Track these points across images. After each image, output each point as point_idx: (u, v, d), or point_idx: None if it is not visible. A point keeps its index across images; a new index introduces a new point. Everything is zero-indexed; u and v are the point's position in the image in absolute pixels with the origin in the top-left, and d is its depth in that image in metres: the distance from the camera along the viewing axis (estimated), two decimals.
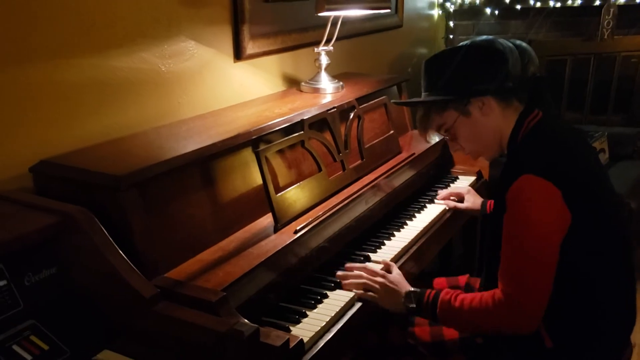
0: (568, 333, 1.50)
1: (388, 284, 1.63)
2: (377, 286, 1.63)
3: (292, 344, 1.30)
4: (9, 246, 1.22)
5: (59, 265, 1.30)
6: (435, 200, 2.29)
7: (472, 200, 2.21)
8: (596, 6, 3.87)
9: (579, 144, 1.59)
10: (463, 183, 2.49)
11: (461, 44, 1.63)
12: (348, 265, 1.74)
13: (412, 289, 1.62)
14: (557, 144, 1.53)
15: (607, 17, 3.82)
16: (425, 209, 2.24)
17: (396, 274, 1.68)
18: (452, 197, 2.28)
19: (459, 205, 2.23)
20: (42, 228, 1.28)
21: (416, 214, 2.18)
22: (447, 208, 2.23)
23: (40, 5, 1.54)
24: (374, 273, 1.67)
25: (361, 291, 1.64)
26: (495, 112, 1.58)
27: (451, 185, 2.47)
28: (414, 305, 1.59)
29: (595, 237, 1.48)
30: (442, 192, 2.30)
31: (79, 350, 1.21)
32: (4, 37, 1.47)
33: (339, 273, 1.70)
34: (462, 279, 1.99)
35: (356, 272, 1.69)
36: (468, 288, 1.91)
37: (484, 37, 1.65)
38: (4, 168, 1.52)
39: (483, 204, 2.16)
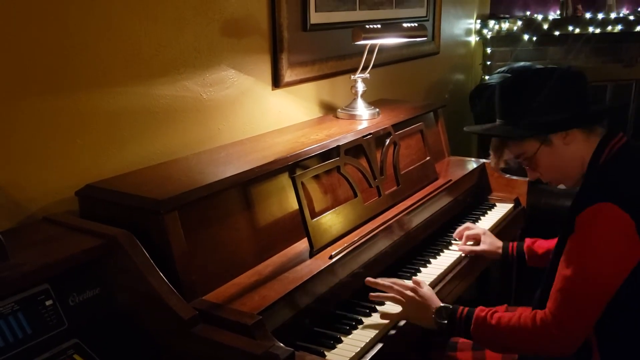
0: (621, 357, 1.48)
1: (418, 298, 1.62)
2: (405, 300, 1.62)
3: None
4: (55, 267, 1.27)
5: (102, 286, 1.34)
6: (453, 244, 2.15)
7: (489, 242, 2.09)
8: (637, 32, 3.83)
9: None
10: (500, 210, 2.48)
11: (538, 66, 1.58)
12: (374, 280, 1.70)
13: (444, 304, 1.60)
14: None
15: None
16: None
17: (427, 289, 1.66)
18: (468, 242, 2.13)
19: (476, 248, 2.08)
20: (87, 250, 1.32)
21: (453, 242, 2.17)
22: (463, 254, 2.08)
23: (88, 35, 1.61)
24: (403, 287, 1.66)
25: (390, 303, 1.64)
26: (579, 140, 1.54)
27: (487, 212, 2.46)
28: (445, 322, 1.57)
29: None
30: (457, 231, 2.16)
31: None
32: (54, 66, 1.55)
33: (369, 279, 1.69)
34: (500, 309, 1.96)
35: (386, 284, 1.67)
36: None
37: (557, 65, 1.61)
38: (52, 192, 1.58)
39: (505, 247, 2.05)
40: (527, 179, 2.55)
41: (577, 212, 1.43)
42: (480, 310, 1.54)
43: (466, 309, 1.57)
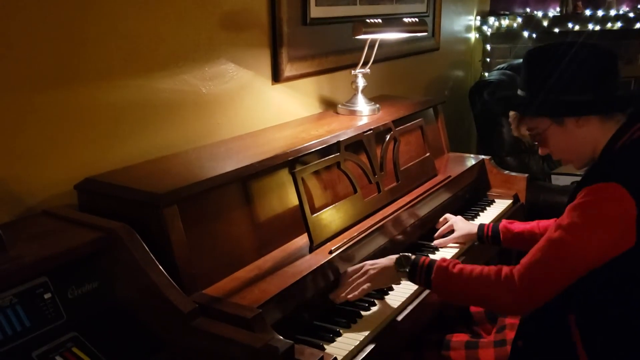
0: (606, 352, 1.46)
1: (370, 267, 1.65)
2: (365, 277, 1.64)
3: None
4: (54, 260, 1.27)
5: (101, 279, 1.34)
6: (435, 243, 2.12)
7: (461, 227, 2.09)
8: (636, 29, 3.83)
9: None
10: (499, 206, 2.48)
11: (569, 40, 1.51)
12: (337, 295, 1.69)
13: (403, 254, 1.62)
14: None
15: None
16: None
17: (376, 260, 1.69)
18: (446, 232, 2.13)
19: (449, 238, 2.09)
20: (86, 243, 1.32)
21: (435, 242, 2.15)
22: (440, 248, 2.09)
23: (88, 30, 1.61)
24: (355, 270, 1.68)
25: (359, 291, 1.64)
26: (593, 124, 1.49)
27: (486, 208, 2.46)
28: (407, 270, 1.59)
29: None
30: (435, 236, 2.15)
31: None
32: (54, 61, 1.54)
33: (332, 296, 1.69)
34: None
35: (343, 284, 1.68)
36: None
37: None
38: (51, 185, 1.58)
39: (480, 227, 2.05)
40: (526, 175, 2.57)
41: (586, 185, 1.39)
42: (442, 260, 1.55)
43: (428, 258, 1.59)
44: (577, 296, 1.46)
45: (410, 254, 1.65)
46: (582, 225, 1.37)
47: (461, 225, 2.11)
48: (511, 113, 1.64)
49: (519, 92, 1.61)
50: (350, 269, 1.71)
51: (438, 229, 2.16)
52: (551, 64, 1.50)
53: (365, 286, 1.64)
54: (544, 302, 1.43)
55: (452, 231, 2.12)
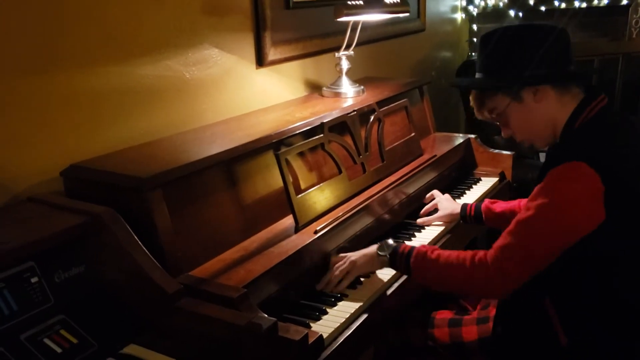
0: (585, 331, 1.49)
1: (354, 256, 1.68)
2: (347, 265, 1.67)
3: (311, 340, 1.33)
4: (40, 245, 1.29)
5: (88, 263, 1.36)
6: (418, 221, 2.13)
7: (445, 206, 2.11)
8: (623, 5, 3.83)
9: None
10: (485, 184, 2.50)
11: (519, 24, 1.58)
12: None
13: (385, 241, 1.66)
14: (618, 137, 1.47)
15: (635, 16, 3.79)
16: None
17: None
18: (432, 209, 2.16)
19: (432, 217, 2.10)
20: (71, 228, 1.34)
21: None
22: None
23: (70, 16, 1.61)
24: (338, 259, 1.70)
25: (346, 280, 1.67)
26: (551, 99, 1.52)
27: (473, 186, 2.48)
28: (387, 255, 1.62)
29: (626, 239, 1.44)
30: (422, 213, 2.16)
31: (107, 344, 1.27)
32: (37, 47, 1.55)
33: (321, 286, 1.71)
34: None
35: (329, 277, 1.69)
36: None
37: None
38: (37, 172, 1.59)
39: (463, 208, 2.06)
40: (512, 152, 2.59)
41: (551, 167, 1.42)
42: (422, 246, 1.59)
43: (409, 246, 1.61)
44: (551, 277, 1.48)
45: (392, 241, 1.67)
46: (550, 205, 1.39)
47: (445, 205, 2.12)
48: (472, 96, 1.66)
49: (477, 75, 1.63)
50: (334, 258, 1.73)
51: (425, 206, 2.18)
52: (505, 44, 1.54)
53: (350, 275, 1.67)
54: (518, 284, 1.44)
55: (436, 210, 2.14)
